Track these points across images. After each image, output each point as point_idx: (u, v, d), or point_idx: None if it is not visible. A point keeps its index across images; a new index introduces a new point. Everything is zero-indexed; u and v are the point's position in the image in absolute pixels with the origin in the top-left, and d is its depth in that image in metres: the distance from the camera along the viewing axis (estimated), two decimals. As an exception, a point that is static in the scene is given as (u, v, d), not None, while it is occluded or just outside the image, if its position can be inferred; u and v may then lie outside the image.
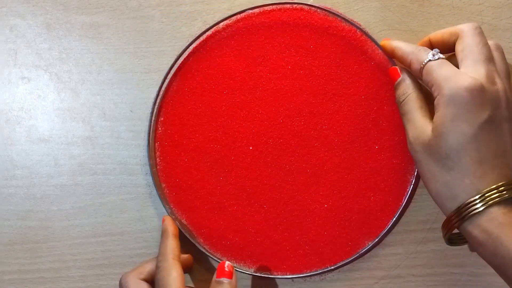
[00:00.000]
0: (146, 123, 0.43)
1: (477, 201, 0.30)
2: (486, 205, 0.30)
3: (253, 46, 0.43)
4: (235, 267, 0.43)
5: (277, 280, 0.43)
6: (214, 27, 0.43)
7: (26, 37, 0.44)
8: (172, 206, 0.43)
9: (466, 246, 0.43)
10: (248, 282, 0.43)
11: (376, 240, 0.42)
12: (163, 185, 0.43)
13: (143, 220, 0.43)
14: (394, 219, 0.43)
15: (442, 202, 0.33)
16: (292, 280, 0.43)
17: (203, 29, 0.43)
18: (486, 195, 0.30)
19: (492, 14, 0.43)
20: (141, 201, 0.43)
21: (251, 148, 0.43)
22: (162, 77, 0.43)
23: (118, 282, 0.43)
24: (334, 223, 0.43)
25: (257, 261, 0.43)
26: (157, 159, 0.43)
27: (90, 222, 0.43)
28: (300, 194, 0.43)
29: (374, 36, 0.41)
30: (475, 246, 0.32)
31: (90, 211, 0.43)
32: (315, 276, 0.43)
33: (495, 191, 0.30)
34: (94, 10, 0.43)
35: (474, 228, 0.31)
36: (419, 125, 0.35)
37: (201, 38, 0.43)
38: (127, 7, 0.43)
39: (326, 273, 0.43)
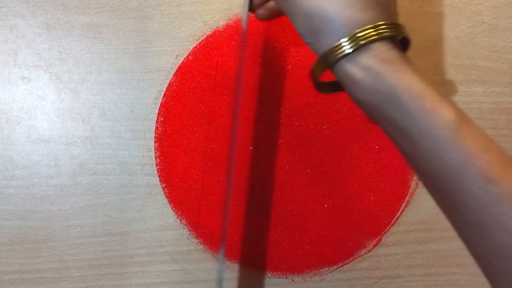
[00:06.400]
0: (146, 123, 0.43)
1: (354, 38, 0.28)
2: (365, 41, 0.28)
3: (253, 46, 0.43)
4: (235, 267, 0.43)
5: (277, 280, 0.43)
6: (214, 27, 0.43)
7: (26, 37, 0.44)
8: (172, 206, 0.43)
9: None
10: (248, 282, 0.43)
11: (376, 240, 0.43)
12: (163, 185, 0.43)
13: (143, 220, 0.43)
14: (394, 219, 0.43)
15: (317, 39, 0.30)
16: (292, 280, 0.43)
17: (203, 29, 0.43)
18: (363, 33, 0.28)
19: (492, 14, 0.43)
20: (141, 201, 0.43)
21: (251, 148, 0.43)
22: (162, 77, 0.43)
23: (118, 282, 0.43)
24: (334, 223, 0.43)
25: (257, 261, 0.43)
26: (157, 159, 0.43)
27: (90, 222, 0.43)
28: (300, 194, 0.43)
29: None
30: (351, 86, 0.29)
31: (90, 211, 0.43)
32: (315, 276, 0.43)
33: (373, 29, 0.28)
34: (94, 10, 0.43)
35: (352, 65, 0.28)
36: None
37: (201, 38, 0.43)
38: (127, 7, 0.43)
39: (326, 273, 0.43)
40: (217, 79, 0.43)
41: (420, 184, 0.43)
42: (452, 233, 0.43)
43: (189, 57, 0.43)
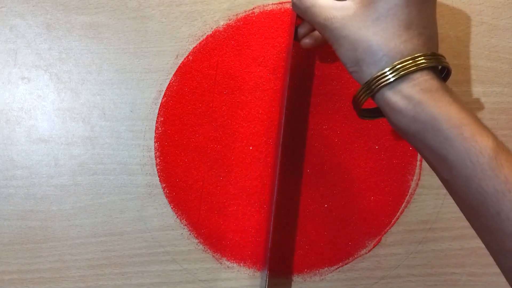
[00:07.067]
0: (146, 123, 0.43)
1: (397, 67, 0.29)
2: (405, 72, 0.29)
3: (253, 46, 0.43)
4: (235, 267, 0.43)
5: (277, 280, 0.43)
6: (214, 27, 0.43)
7: (26, 37, 0.44)
8: (172, 206, 0.43)
9: (466, 246, 0.43)
10: (248, 282, 0.43)
11: (376, 240, 0.42)
12: (163, 185, 0.43)
13: (143, 220, 0.43)
14: (394, 219, 0.43)
15: (360, 68, 0.31)
16: (292, 280, 0.43)
17: (203, 29, 0.43)
18: (402, 65, 0.29)
19: (492, 14, 0.43)
20: (141, 201, 0.43)
21: (251, 148, 0.43)
22: (162, 77, 0.43)
23: (118, 282, 0.43)
24: (334, 223, 0.43)
25: (257, 261, 0.43)
26: (157, 159, 0.43)
27: (90, 222, 0.43)
28: (300, 194, 0.43)
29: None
30: (392, 114, 0.30)
31: (90, 211, 0.43)
32: (315, 276, 0.43)
33: (411, 61, 0.29)
34: (94, 10, 0.43)
35: (394, 94, 0.29)
36: (333, 4, 0.33)
37: (201, 38, 0.43)
38: (127, 7, 0.43)
39: (326, 273, 0.43)
40: (217, 79, 0.43)
41: (420, 184, 0.43)
42: (452, 233, 0.44)
43: (189, 57, 0.43)
